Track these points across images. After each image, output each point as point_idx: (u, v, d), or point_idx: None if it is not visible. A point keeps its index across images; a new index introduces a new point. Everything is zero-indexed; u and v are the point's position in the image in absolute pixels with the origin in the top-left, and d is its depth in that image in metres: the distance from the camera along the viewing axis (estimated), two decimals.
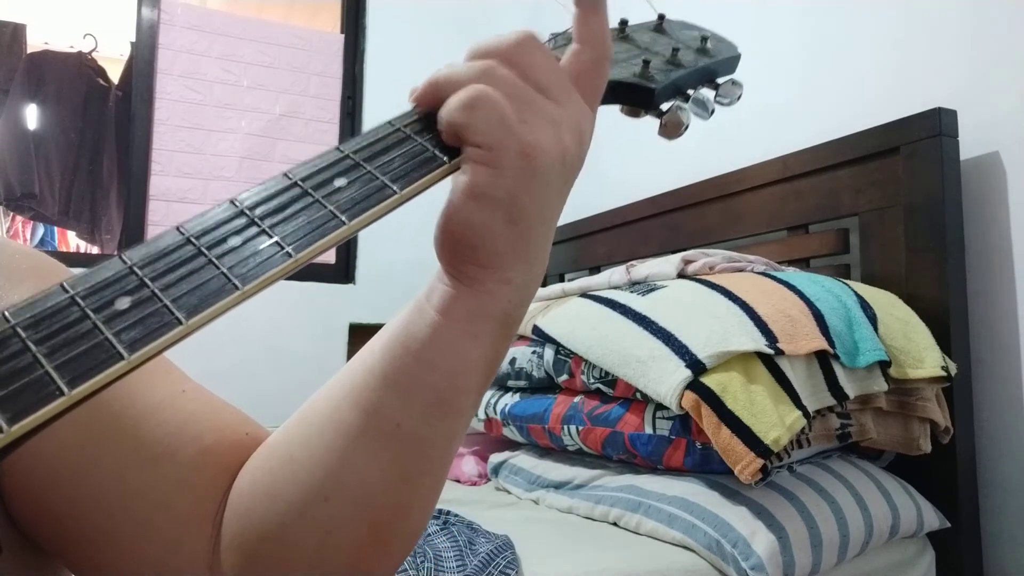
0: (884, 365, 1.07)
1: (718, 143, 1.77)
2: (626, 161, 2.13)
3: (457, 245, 0.33)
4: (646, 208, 1.87)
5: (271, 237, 0.28)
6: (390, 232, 2.59)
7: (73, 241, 3.54)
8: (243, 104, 2.54)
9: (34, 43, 2.96)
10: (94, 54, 2.97)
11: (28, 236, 3.53)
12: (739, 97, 0.45)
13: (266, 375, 2.37)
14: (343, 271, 2.62)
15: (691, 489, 1.06)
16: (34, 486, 0.36)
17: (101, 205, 2.95)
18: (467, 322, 0.34)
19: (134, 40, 2.49)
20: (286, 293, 2.47)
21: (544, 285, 2.23)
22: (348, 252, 2.62)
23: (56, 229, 3.52)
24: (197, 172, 2.48)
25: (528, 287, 0.35)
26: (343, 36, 2.70)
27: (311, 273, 2.54)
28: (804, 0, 1.60)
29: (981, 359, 1.22)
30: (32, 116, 2.82)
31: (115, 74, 2.97)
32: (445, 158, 0.32)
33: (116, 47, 3.11)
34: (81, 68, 2.91)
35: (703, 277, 1.26)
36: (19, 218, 3.44)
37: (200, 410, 0.41)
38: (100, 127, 2.91)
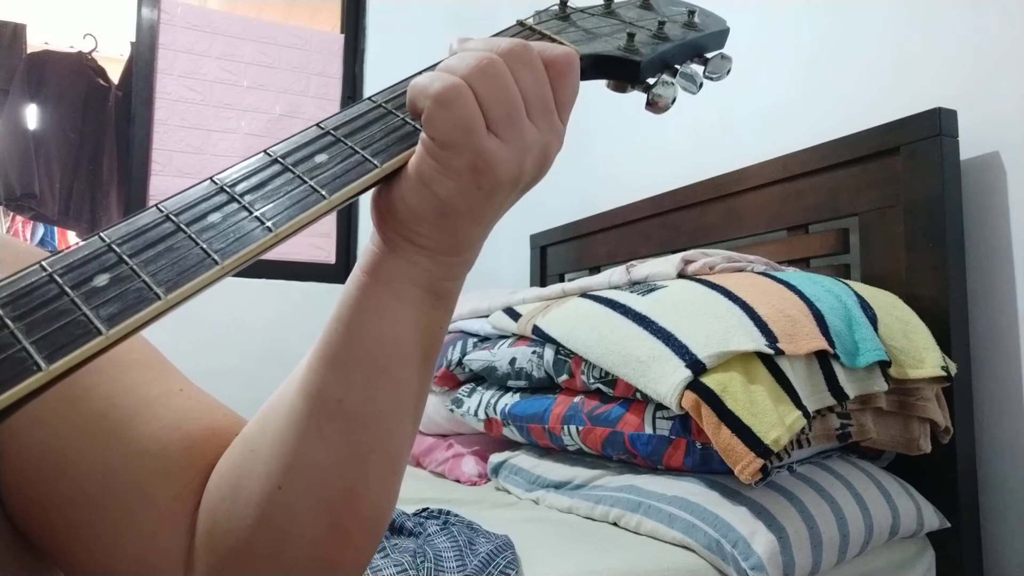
0: (884, 365, 1.07)
1: (718, 143, 1.77)
2: (625, 161, 2.13)
3: (386, 208, 0.33)
4: (646, 208, 1.86)
5: (251, 212, 0.28)
6: None
7: (73, 241, 3.54)
8: (243, 104, 2.54)
9: (34, 43, 2.96)
10: (94, 54, 2.97)
11: (28, 236, 3.52)
12: (728, 71, 0.45)
13: (266, 375, 2.35)
14: (343, 271, 2.61)
15: (691, 489, 1.06)
16: (23, 477, 0.36)
17: (101, 205, 2.95)
18: (391, 283, 0.34)
19: (134, 40, 2.49)
20: (286, 293, 2.47)
21: (544, 285, 2.24)
22: (348, 252, 2.62)
23: (56, 229, 3.52)
24: (197, 172, 2.47)
25: (453, 268, 0.35)
26: (343, 36, 2.70)
27: (311, 273, 2.55)
28: (804, 0, 1.60)
29: (981, 359, 1.22)
30: (32, 116, 2.82)
31: (115, 74, 2.97)
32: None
33: (116, 47, 3.11)
34: (81, 68, 2.91)
35: (703, 277, 1.26)
36: (19, 218, 3.44)
37: (195, 408, 0.41)
38: (100, 127, 2.91)
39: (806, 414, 0.97)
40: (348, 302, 0.35)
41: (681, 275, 1.32)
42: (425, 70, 0.34)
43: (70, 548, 0.37)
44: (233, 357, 2.34)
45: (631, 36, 0.42)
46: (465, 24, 2.75)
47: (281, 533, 0.35)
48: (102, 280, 0.24)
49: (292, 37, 2.62)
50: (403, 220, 0.33)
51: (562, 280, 2.23)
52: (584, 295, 1.36)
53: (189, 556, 0.37)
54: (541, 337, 1.34)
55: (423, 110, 0.31)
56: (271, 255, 2.54)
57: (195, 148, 2.47)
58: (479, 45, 0.33)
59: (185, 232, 0.26)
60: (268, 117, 2.57)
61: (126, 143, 2.51)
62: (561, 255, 2.25)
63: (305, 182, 0.29)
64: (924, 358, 1.09)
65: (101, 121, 2.90)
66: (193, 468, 0.38)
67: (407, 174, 0.32)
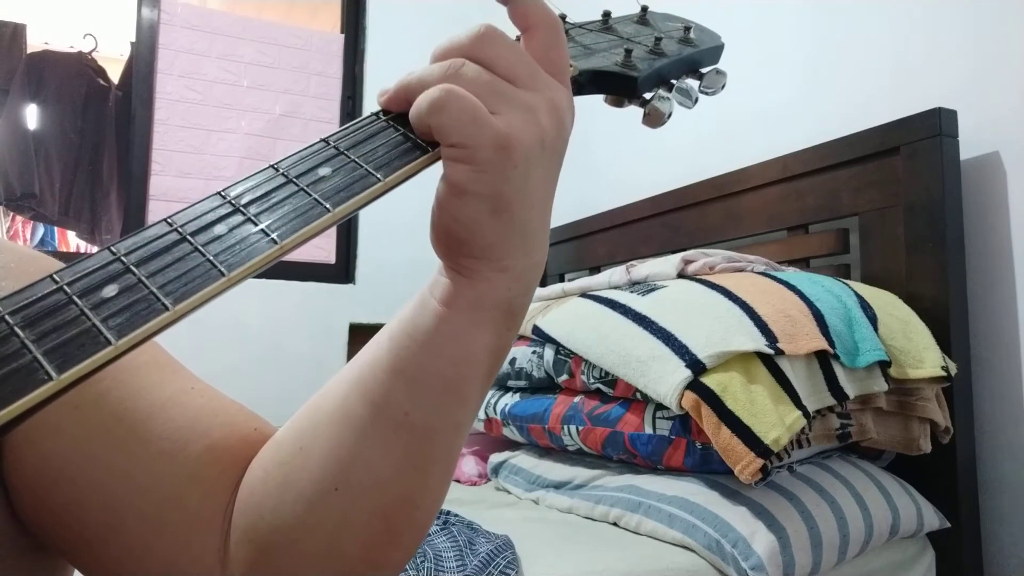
0: (884, 365, 1.07)
1: (718, 143, 1.77)
2: (626, 161, 2.13)
3: (449, 240, 0.33)
4: (646, 208, 1.87)
5: (256, 225, 0.28)
6: (390, 232, 2.59)
7: (73, 241, 3.54)
8: (243, 104, 2.54)
9: (34, 43, 2.96)
10: (94, 54, 2.97)
11: (28, 236, 3.53)
12: (723, 86, 0.46)
13: (266, 375, 2.37)
14: (343, 271, 2.62)
15: (691, 489, 1.06)
16: (41, 484, 0.36)
17: (101, 205, 2.95)
18: (470, 311, 0.34)
19: (134, 40, 2.49)
20: (286, 293, 2.47)
21: (544, 285, 2.24)
22: (348, 252, 2.62)
23: (56, 229, 3.52)
24: (197, 172, 2.48)
25: (528, 274, 0.35)
26: (343, 36, 2.71)
27: (311, 273, 2.55)
28: (804, 0, 1.60)
29: (981, 359, 1.22)
30: (32, 116, 2.82)
31: (115, 74, 2.97)
32: (429, 146, 0.32)
33: (116, 47, 3.11)
34: (81, 68, 2.91)
35: (703, 277, 1.26)
36: (19, 218, 3.44)
37: (208, 406, 0.41)
38: (100, 127, 2.91)
39: (806, 414, 0.97)
40: (423, 327, 0.35)
41: (681, 275, 1.32)
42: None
43: (97, 552, 0.37)
44: (233, 357, 2.34)
45: (628, 52, 0.42)
46: (465, 24, 2.74)
47: (332, 534, 0.36)
48: (111, 291, 0.24)
49: (292, 37, 2.62)
50: (466, 240, 0.33)
51: (562, 280, 2.23)
52: (584, 295, 1.36)
53: (224, 553, 0.37)
54: (541, 337, 1.34)
55: (430, 128, 0.31)
56: None
57: (195, 148, 2.47)
58: (444, 47, 0.34)
59: (192, 244, 0.27)
60: (268, 117, 2.57)
61: (126, 143, 2.51)
62: (561, 255, 2.25)
63: (309, 195, 0.30)
64: (924, 358, 1.09)
65: (101, 121, 2.91)
66: (218, 467, 0.39)
67: (444, 198, 0.32)
